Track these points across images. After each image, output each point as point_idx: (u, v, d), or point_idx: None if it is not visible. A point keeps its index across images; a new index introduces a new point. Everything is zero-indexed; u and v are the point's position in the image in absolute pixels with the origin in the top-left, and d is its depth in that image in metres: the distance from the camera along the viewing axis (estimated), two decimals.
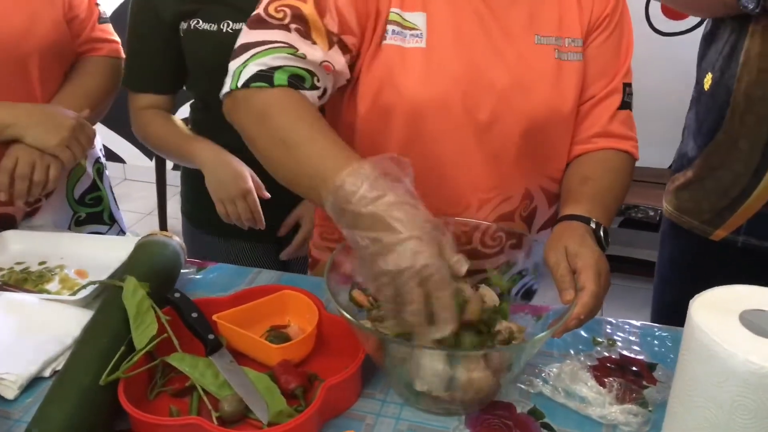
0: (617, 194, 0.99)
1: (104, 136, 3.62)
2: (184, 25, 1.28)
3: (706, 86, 1.25)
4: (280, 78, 0.87)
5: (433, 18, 0.96)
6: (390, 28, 0.96)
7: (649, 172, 2.54)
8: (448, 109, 0.97)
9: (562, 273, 0.82)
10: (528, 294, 1.01)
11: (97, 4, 1.39)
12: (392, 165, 0.78)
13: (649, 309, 1.45)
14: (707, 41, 1.27)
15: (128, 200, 3.41)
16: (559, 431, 0.83)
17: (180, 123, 1.39)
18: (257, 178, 1.29)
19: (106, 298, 0.95)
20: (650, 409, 0.85)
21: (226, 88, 0.91)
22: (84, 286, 1.02)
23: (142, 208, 3.38)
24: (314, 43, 0.91)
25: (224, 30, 1.26)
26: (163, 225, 3.21)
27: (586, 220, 0.90)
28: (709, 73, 1.24)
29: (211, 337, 0.90)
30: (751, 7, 1.08)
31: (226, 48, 1.27)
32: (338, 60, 0.93)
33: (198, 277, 1.14)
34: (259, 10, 0.93)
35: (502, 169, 1.01)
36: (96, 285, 1.01)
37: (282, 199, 1.29)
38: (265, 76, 0.87)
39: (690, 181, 1.27)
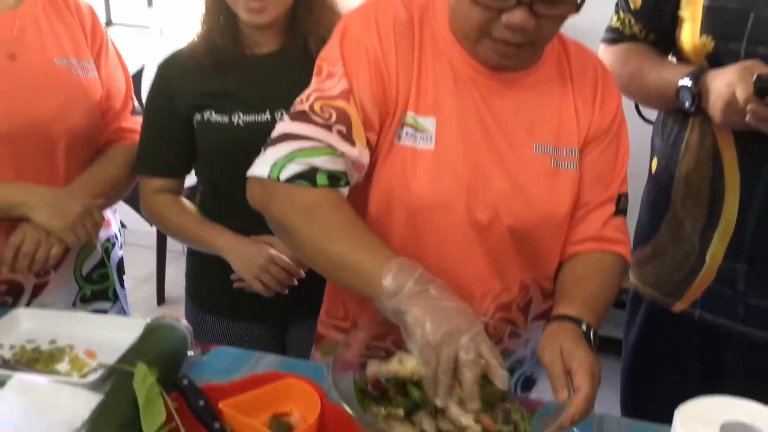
0: (608, 296, 1.04)
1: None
2: (197, 117, 1.35)
3: (653, 169, 1.36)
4: (322, 179, 0.96)
5: (442, 123, 1.04)
6: (405, 129, 1.03)
7: None
8: (451, 208, 1.04)
9: (557, 373, 0.87)
10: (527, 384, 1.05)
11: (132, 98, 1.47)
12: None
13: (617, 385, 1.49)
14: (657, 129, 1.40)
15: (127, 265, 3.43)
16: None
17: (191, 208, 1.43)
18: (279, 255, 1.33)
19: (115, 382, 0.98)
20: None
21: (260, 173, 0.98)
22: (94, 369, 1.05)
23: (141, 274, 3.40)
24: (353, 143, 0.99)
25: (235, 122, 1.33)
26: (161, 291, 3.24)
27: (578, 322, 0.95)
28: (656, 158, 1.35)
29: (216, 426, 0.93)
30: (687, 105, 1.19)
31: (235, 139, 1.35)
32: (367, 157, 1.02)
33: (203, 359, 1.17)
34: (304, 105, 1.01)
35: (501, 263, 1.07)
36: (106, 369, 1.04)
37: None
38: (308, 176, 0.96)
39: (649, 256, 1.37)
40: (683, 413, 0.71)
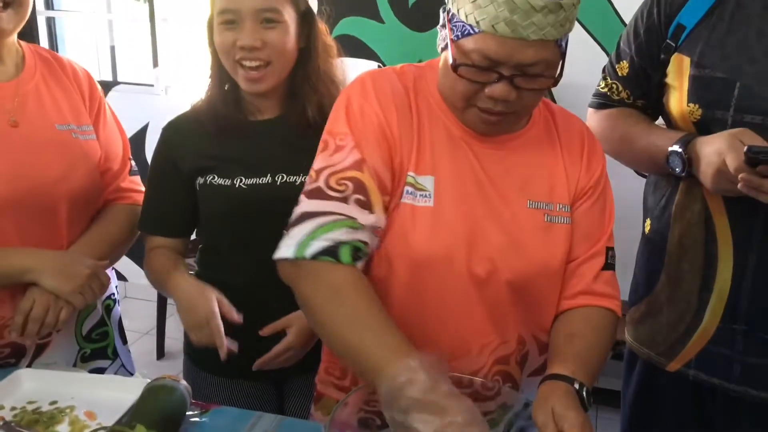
0: (600, 352, 1.06)
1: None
2: (200, 180, 1.38)
3: (647, 230, 1.38)
4: (345, 254, 1.00)
5: (440, 181, 1.08)
6: (406, 188, 1.07)
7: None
8: (451, 262, 1.07)
9: None
10: None
11: (130, 159, 1.51)
12: (434, 362, 0.90)
13: None
14: (649, 190, 1.41)
15: (127, 318, 3.41)
16: None
17: (177, 259, 1.41)
18: (225, 303, 1.29)
19: None
20: None
21: (286, 254, 1.01)
22: (94, 431, 1.06)
23: (141, 327, 3.41)
24: (372, 210, 1.03)
25: (237, 185, 1.37)
26: (161, 345, 3.24)
27: (570, 381, 0.97)
28: (648, 219, 1.37)
29: None
30: (678, 170, 1.22)
31: (236, 201, 1.38)
32: (384, 221, 1.06)
33: (202, 420, 1.18)
34: (319, 182, 1.05)
35: (499, 316, 1.10)
36: (106, 430, 1.05)
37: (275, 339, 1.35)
38: (332, 252, 0.99)
39: (644, 315, 1.38)
40: None
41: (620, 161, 1.39)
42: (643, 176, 1.50)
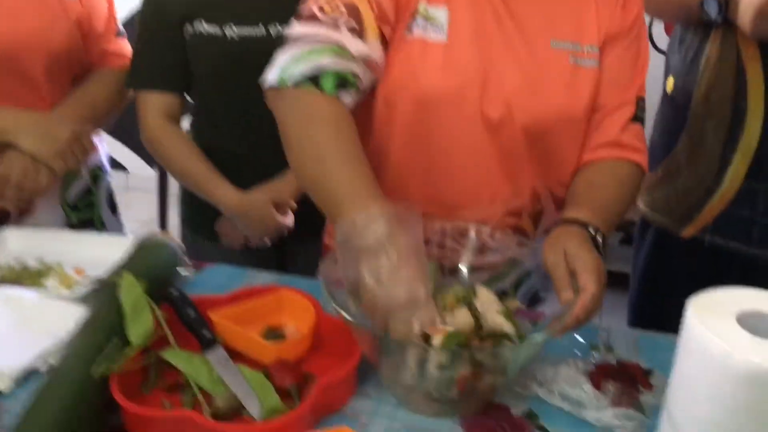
0: (621, 204, 0.99)
1: (107, 145, 3.65)
2: (189, 29, 1.29)
3: (669, 89, 1.30)
4: (327, 83, 0.91)
5: (454, 14, 0.99)
6: (417, 20, 0.98)
7: None
8: (461, 103, 0.99)
9: (561, 274, 0.83)
10: (534, 301, 1.00)
11: (116, 18, 1.41)
12: (406, 213, 0.83)
13: (624, 318, 1.47)
14: (673, 47, 1.32)
15: (129, 209, 3.40)
16: None
17: (195, 150, 1.37)
18: (284, 201, 1.35)
19: (102, 294, 0.95)
20: (646, 414, 0.85)
21: (272, 81, 0.94)
22: (81, 284, 1.02)
23: (144, 217, 3.38)
24: (364, 38, 0.94)
25: (228, 37, 1.27)
26: None
27: (586, 226, 0.90)
28: (671, 77, 1.28)
29: (206, 333, 0.89)
30: (713, 15, 1.11)
31: (228, 55, 1.29)
32: (380, 53, 0.96)
33: (195, 278, 1.14)
34: (311, 4, 0.96)
35: (513, 166, 1.02)
36: (93, 282, 1.01)
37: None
38: (314, 78, 0.91)
39: (660, 179, 1.32)
40: (696, 304, 0.67)
41: (648, 11, 1.28)
42: (661, 52, 1.39)
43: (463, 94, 0.98)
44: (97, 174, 1.44)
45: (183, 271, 1.13)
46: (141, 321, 0.88)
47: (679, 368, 0.67)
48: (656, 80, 1.27)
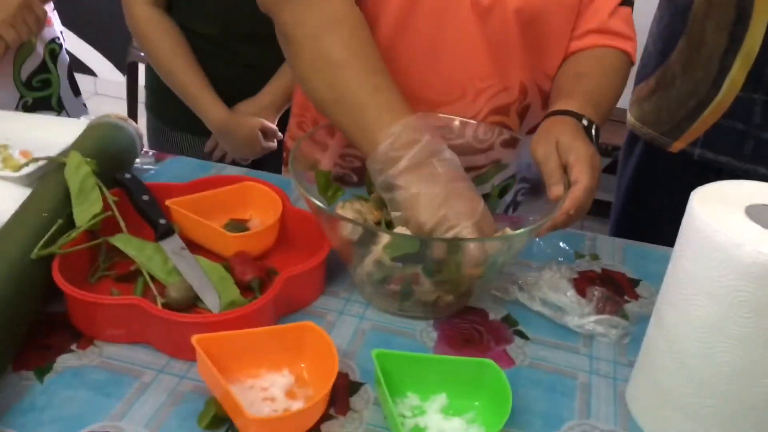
0: (612, 95, 0.92)
1: (75, 47, 3.47)
2: None
3: None
4: None
5: None
6: None
7: None
8: None
9: (552, 167, 0.75)
10: (517, 206, 0.94)
11: None
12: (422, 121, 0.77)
13: None
14: None
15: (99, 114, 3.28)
16: (533, 339, 0.78)
17: (186, 49, 1.28)
18: (270, 128, 1.31)
19: (47, 174, 0.86)
20: (630, 322, 0.80)
21: None
22: (27, 164, 0.92)
23: None
24: None
25: None
26: None
27: (578, 117, 0.82)
28: None
29: (162, 221, 0.82)
30: None
31: None
32: None
33: (156, 168, 1.05)
34: None
35: (501, 57, 0.93)
36: (40, 163, 0.91)
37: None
38: None
39: (652, 90, 1.25)
40: (701, 195, 0.60)
41: None
42: None
43: None
44: (53, 48, 1.32)
45: (144, 162, 1.04)
46: (88, 203, 0.80)
47: (676, 264, 0.61)
48: None
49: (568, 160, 0.76)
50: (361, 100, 0.77)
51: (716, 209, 0.58)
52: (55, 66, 1.32)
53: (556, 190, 0.74)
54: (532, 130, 1.02)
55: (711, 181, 1.20)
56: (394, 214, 0.74)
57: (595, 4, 0.95)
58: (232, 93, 1.30)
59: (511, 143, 0.92)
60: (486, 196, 0.95)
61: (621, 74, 0.95)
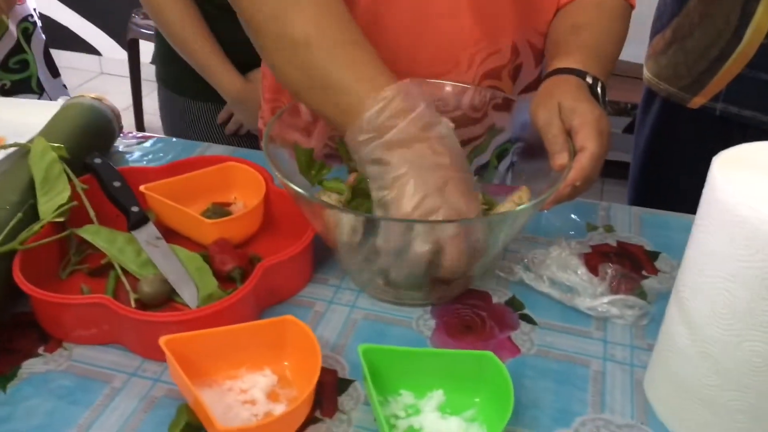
0: (614, 45, 0.83)
1: (78, 26, 3.40)
2: None
3: None
4: None
5: None
6: None
7: None
8: None
9: (554, 133, 0.67)
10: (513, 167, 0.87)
11: None
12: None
13: None
14: None
15: (105, 96, 3.23)
16: (540, 323, 0.71)
17: (200, 22, 1.23)
18: None
19: (12, 163, 0.80)
20: (649, 301, 0.73)
21: None
22: None
23: (119, 104, 3.20)
24: None
25: None
26: (139, 121, 3.04)
27: (581, 75, 0.74)
28: None
29: (134, 209, 0.76)
30: None
31: None
32: None
33: (137, 149, 0.99)
34: None
35: (490, 19, 0.85)
36: (9, 150, 0.86)
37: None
38: None
39: (669, 42, 1.16)
40: (723, 160, 0.52)
41: None
42: None
43: None
44: (26, 27, 1.26)
45: (126, 144, 0.98)
46: (55, 193, 0.74)
47: (697, 240, 0.54)
48: None
49: (572, 125, 0.68)
50: (336, 78, 0.66)
51: (741, 177, 0.50)
52: (29, 46, 1.25)
53: (560, 158, 0.66)
54: (524, 90, 0.94)
55: (735, 139, 1.12)
56: (378, 194, 0.66)
57: None
58: (245, 59, 1.24)
59: (504, 106, 0.83)
60: (485, 166, 0.88)
61: (623, 20, 0.85)
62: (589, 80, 0.73)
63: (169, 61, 1.32)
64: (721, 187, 0.50)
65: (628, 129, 2.67)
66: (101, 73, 3.47)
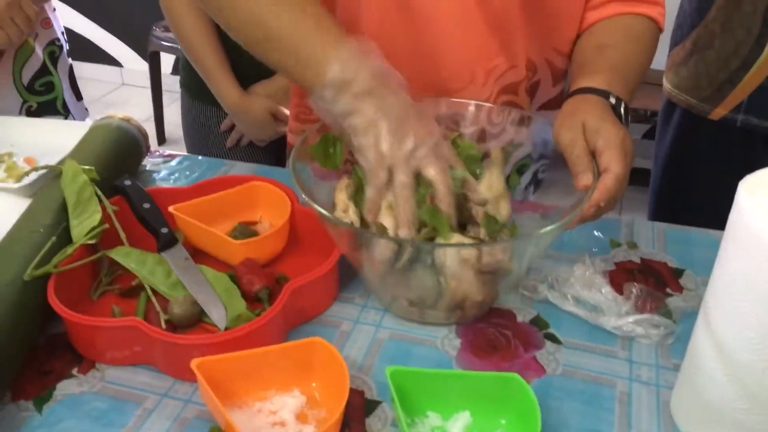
0: (640, 66, 0.83)
1: (100, 38, 3.45)
2: None
3: None
4: None
5: None
6: None
7: None
8: None
9: (578, 153, 0.68)
10: (539, 185, 0.87)
11: None
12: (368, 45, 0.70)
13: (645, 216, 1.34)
14: None
15: (126, 106, 3.27)
16: (565, 343, 0.71)
17: (211, 31, 1.26)
18: (281, 112, 1.29)
19: (47, 185, 0.82)
20: (674, 319, 0.73)
21: None
22: (27, 173, 0.89)
23: (140, 115, 3.23)
24: None
25: None
26: (160, 132, 3.08)
27: (605, 95, 0.74)
28: None
29: (164, 230, 0.77)
30: None
31: None
32: None
33: (164, 168, 1.01)
34: None
35: (507, 33, 0.86)
36: (40, 172, 0.88)
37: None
38: None
39: (689, 53, 1.16)
40: (749, 185, 0.53)
41: None
42: None
43: None
44: (52, 51, 1.28)
45: (152, 163, 1.00)
46: (87, 215, 0.76)
47: (724, 264, 0.54)
48: None
49: (596, 146, 0.68)
50: (298, 37, 0.70)
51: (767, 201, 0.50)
52: (56, 69, 1.28)
53: (584, 179, 0.67)
54: (542, 107, 0.95)
55: (757, 150, 1.13)
56: (357, 141, 0.68)
57: None
58: (252, 73, 1.28)
59: (522, 121, 0.84)
60: (506, 179, 0.88)
61: (649, 42, 0.86)
62: (613, 100, 0.73)
63: (191, 68, 1.36)
64: (747, 212, 0.50)
65: (647, 135, 2.66)
66: (122, 84, 3.52)
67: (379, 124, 0.67)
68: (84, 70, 3.25)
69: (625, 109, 0.75)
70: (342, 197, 0.75)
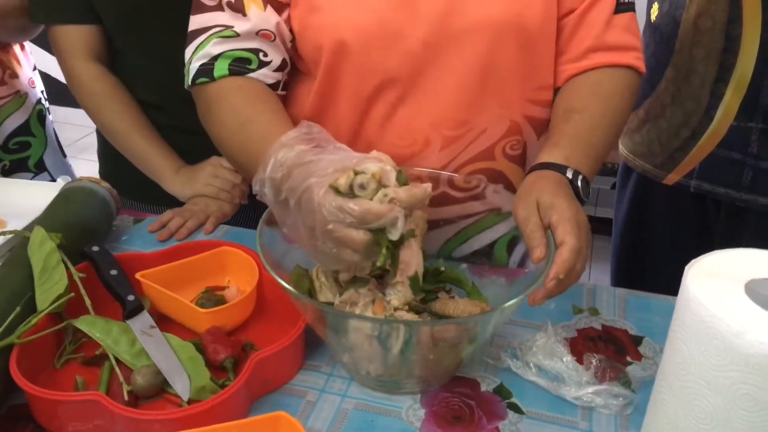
0: (609, 127, 0.84)
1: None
2: None
3: (653, 17, 1.17)
4: (220, 68, 0.85)
5: None
6: None
7: None
8: (385, 33, 0.82)
9: (531, 229, 0.69)
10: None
11: None
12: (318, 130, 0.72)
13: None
14: None
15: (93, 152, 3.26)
16: (527, 413, 0.72)
17: (133, 108, 1.16)
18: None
19: (12, 252, 0.82)
20: (633, 389, 0.74)
21: (186, 83, 0.89)
22: None
23: None
24: (245, 13, 0.85)
25: None
26: None
27: (562, 169, 0.77)
28: (656, 3, 1.15)
29: (130, 298, 0.77)
30: None
31: None
32: (272, 20, 0.85)
33: (134, 230, 1.01)
34: None
35: (470, 97, 0.86)
36: (7, 237, 0.88)
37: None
38: (206, 71, 0.85)
39: (642, 121, 1.20)
40: (697, 269, 0.55)
41: None
42: None
43: (386, 24, 0.82)
44: (40, 110, 1.29)
45: (122, 225, 1.01)
46: (52, 283, 0.76)
47: (672, 343, 0.56)
48: (639, 9, 1.12)
49: (550, 221, 0.70)
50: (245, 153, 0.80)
51: (714, 286, 0.53)
52: (44, 129, 1.29)
53: (537, 252, 0.68)
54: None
55: (711, 215, 1.16)
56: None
57: (585, 21, 0.87)
58: (192, 148, 1.14)
59: (500, 190, 0.86)
60: (491, 246, 0.89)
61: (622, 96, 0.87)
62: (570, 174, 0.76)
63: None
64: (694, 298, 0.52)
65: (614, 187, 2.72)
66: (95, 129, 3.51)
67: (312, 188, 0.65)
68: (59, 114, 3.24)
69: (583, 180, 0.77)
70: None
